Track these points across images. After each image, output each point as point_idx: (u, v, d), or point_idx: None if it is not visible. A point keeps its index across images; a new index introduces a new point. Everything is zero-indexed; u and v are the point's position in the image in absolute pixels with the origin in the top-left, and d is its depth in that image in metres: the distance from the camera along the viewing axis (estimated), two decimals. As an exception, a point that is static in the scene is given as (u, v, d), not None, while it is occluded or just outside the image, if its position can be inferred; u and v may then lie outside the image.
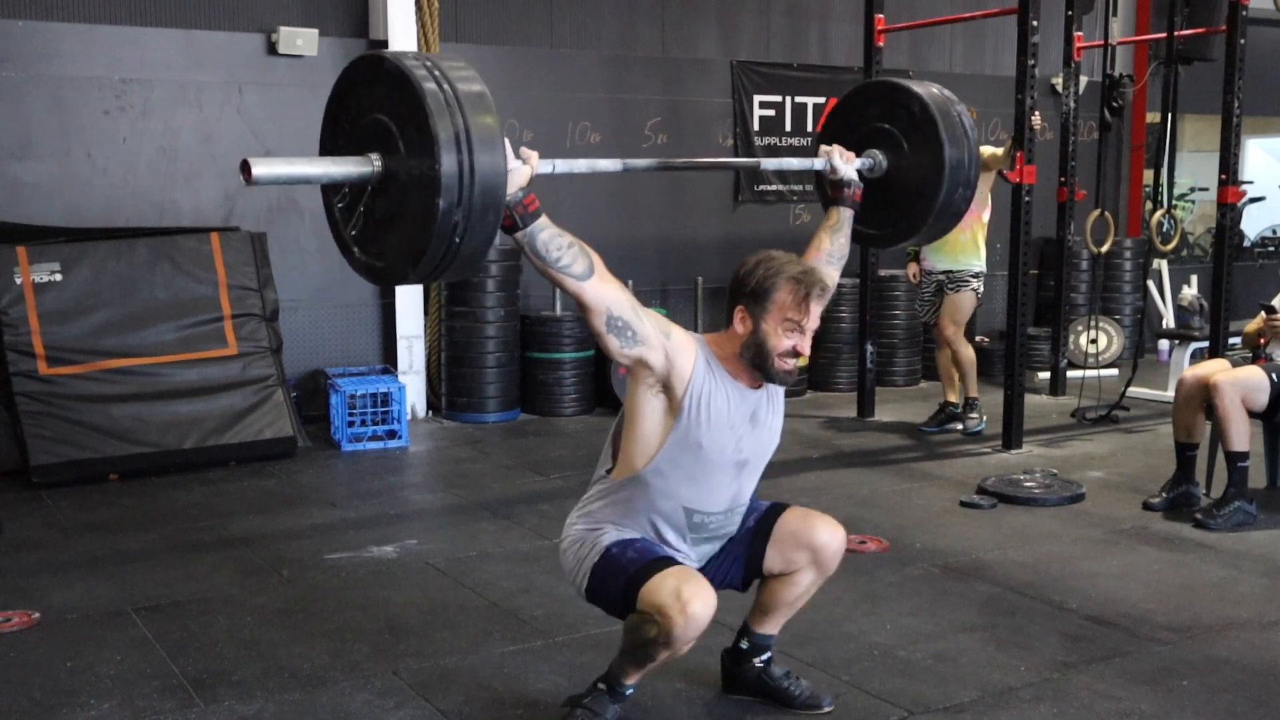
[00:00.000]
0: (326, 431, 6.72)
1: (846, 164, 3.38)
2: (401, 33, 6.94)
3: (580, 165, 3.11)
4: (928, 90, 3.52)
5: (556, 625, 3.85)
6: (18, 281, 5.80)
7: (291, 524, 5.08)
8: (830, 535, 3.08)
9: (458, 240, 2.51)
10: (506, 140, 2.61)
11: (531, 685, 3.41)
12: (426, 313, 7.25)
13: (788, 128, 8.54)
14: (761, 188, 8.47)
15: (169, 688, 3.40)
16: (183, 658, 3.61)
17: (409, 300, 7.16)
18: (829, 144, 3.44)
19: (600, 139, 7.89)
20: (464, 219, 2.49)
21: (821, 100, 8.64)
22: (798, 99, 8.55)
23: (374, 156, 2.60)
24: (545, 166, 2.83)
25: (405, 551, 4.68)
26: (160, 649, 3.68)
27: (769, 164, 3.68)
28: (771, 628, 3.23)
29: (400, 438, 6.54)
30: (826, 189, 3.43)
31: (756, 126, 8.41)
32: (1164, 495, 5.22)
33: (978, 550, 4.66)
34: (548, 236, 2.70)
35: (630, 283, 7.69)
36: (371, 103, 2.63)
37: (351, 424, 6.45)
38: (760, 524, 3.11)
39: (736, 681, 3.30)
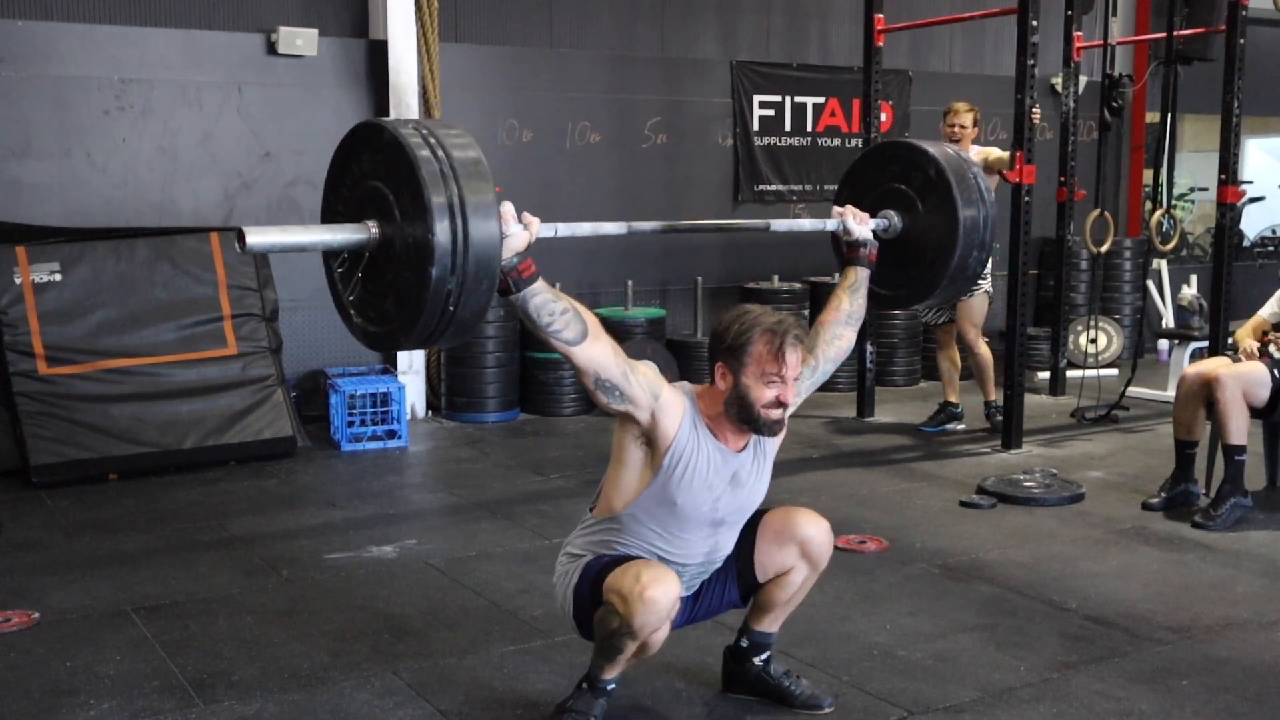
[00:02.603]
0: (326, 431, 6.71)
1: (860, 225, 3.38)
2: (401, 33, 6.94)
3: (584, 229, 3.11)
4: (942, 152, 3.52)
5: (556, 625, 3.84)
6: (17, 281, 5.80)
7: (291, 524, 5.08)
8: (814, 528, 3.11)
9: (452, 308, 2.54)
10: (509, 205, 2.64)
11: (531, 685, 3.41)
12: (426, 313, 7.24)
13: (787, 127, 8.54)
14: (761, 188, 8.47)
15: (169, 688, 3.40)
16: (182, 658, 3.61)
17: (409, 300, 7.14)
18: (843, 205, 3.44)
19: (600, 139, 7.89)
20: (458, 286, 2.52)
21: (821, 100, 8.64)
22: (797, 99, 8.56)
23: (371, 224, 2.63)
24: (546, 231, 2.84)
25: (405, 551, 4.68)
26: (160, 649, 3.68)
27: (780, 225, 3.68)
28: (770, 625, 3.24)
29: (400, 438, 6.54)
30: (842, 249, 3.43)
31: (756, 126, 8.41)
32: (1162, 495, 5.22)
33: (978, 550, 4.66)
34: (540, 302, 2.74)
35: (630, 282, 7.77)
36: (370, 169, 2.66)
37: (351, 424, 6.45)
38: (742, 536, 3.13)
39: (737, 680, 3.31)
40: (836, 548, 4.59)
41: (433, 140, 2.56)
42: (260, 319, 6.27)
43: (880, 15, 7.05)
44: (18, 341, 5.75)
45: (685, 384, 3.03)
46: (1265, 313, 5.43)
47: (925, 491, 5.58)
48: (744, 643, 3.28)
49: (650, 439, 2.90)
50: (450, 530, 5.02)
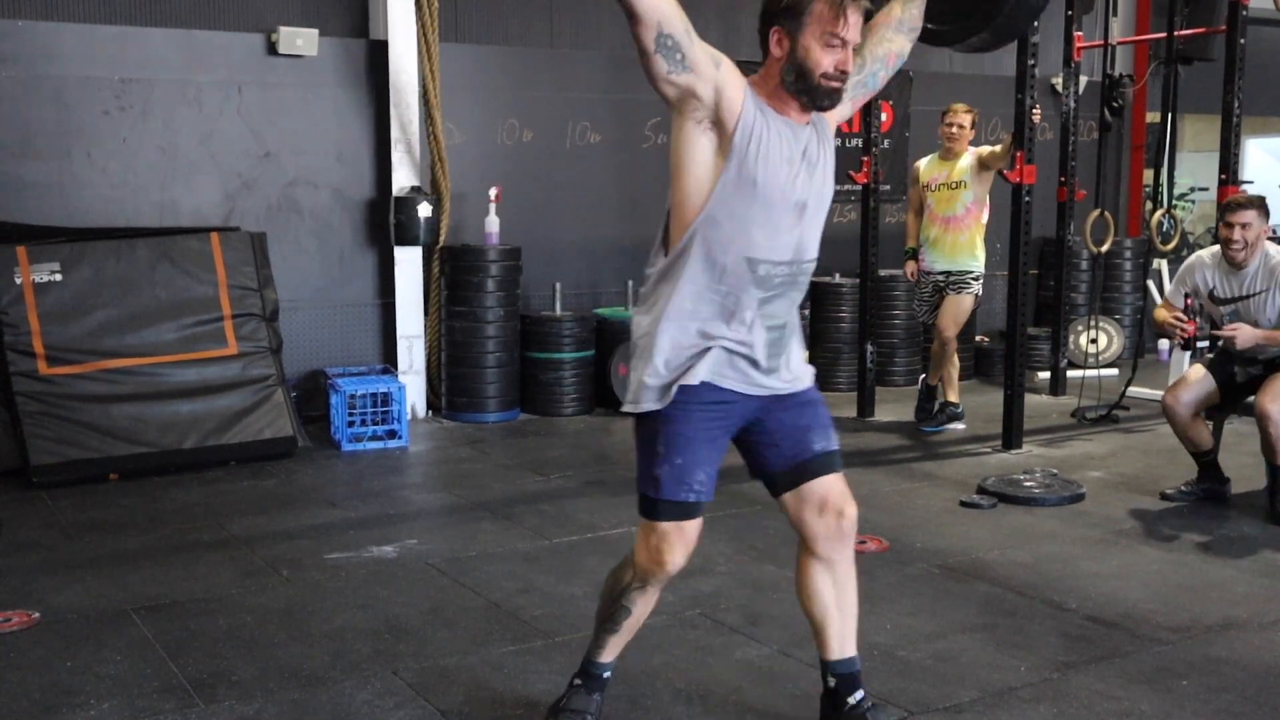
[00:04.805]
0: (326, 431, 6.72)
1: None
2: (402, 33, 6.95)
3: None
4: None
5: (556, 625, 3.85)
6: (18, 281, 5.80)
7: (291, 524, 5.08)
8: (846, 504, 2.95)
9: None
10: None
11: (531, 685, 3.41)
12: (426, 313, 7.25)
13: (788, 128, 8.52)
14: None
15: (169, 688, 3.40)
16: (183, 658, 3.61)
17: (409, 300, 7.16)
18: None
19: (600, 139, 7.89)
20: None
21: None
22: (798, 99, 8.53)
23: None
24: None
25: (405, 551, 4.68)
26: (160, 649, 3.68)
27: None
28: (840, 648, 3.01)
29: (400, 438, 6.54)
30: None
31: (756, 126, 8.40)
32: (1182, 489, 5.30)
33: (978, 550, 4.66)
34: None
35: (630, 282, 7.76)
36: None
37: (351, 424, 6.45)
38: (808, 465, 2.88)
39: None
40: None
41: None
42: (260, 319, 6.27)
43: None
44: (18, 341, 5.75)
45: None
46: (1169, 293, 5.46)
47: (925, 491, 5.57)
48: (831, 681, 3.02)
49: (717, 117, 2.65)
50: (450, 530, 5.02)
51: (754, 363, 2.80)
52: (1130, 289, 9.40)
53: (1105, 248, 7.56)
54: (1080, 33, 7.84)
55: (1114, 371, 8.33)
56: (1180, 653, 3.66)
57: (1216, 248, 5.22)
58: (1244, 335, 5.01)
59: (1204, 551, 4.67)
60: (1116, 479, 5.77)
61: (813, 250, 2.86)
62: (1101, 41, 7.78)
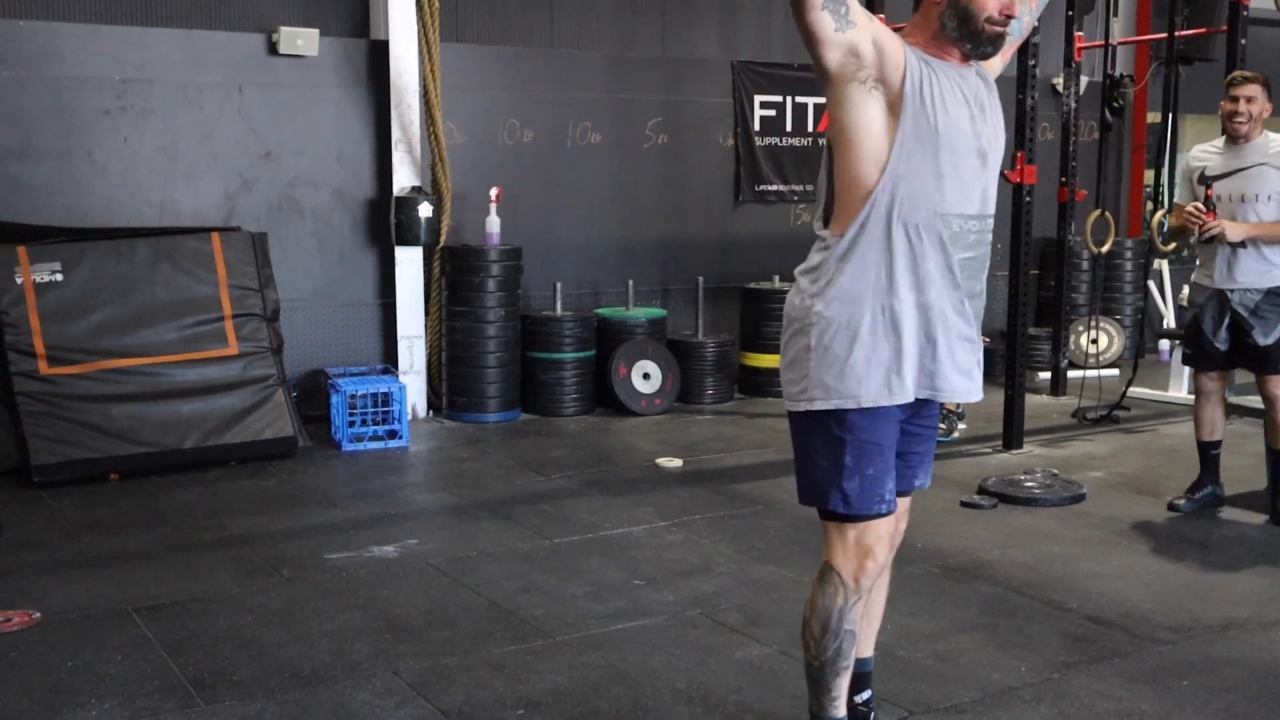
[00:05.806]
0: (327, 431, 6.72)
1: None
2: (402, 32, 6.95)
3: None
4: None
5: (556, 625, 3.85)
6: (18, 281, 5.80)
7: (291, 524, 5.08)
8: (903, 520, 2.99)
9: None
10: None
11: (531, 685, 3.41)
12: (427, 313, 7.26)
13: (788, 128, 8.54)
14: (762, 188, 8.47)
15: (169, 688, 3.40)
16: (183, 658, 3.61)
17: (410, 300, 7.16)
18: None
19: (601, 139, 7.89)
20: None
21: (822, 100, 8.55)
22: (798, 99, 8.55)
23: None
24: None
25: (405, 551, 4.68)
26: (160, 649, 3.68)
27: None
28: (860, 646, 2.90)
29: (401, 438, 6.54)
30: None
31: (757, 126, 8.41)
32: (1190, 497, 5.21)
33: (978, 550, 4.66)
34: None
35: (631, 283, 7.76)
36: None
37: (352, 424, 6.45)
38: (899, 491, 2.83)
39: None
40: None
41: None
42: (261, 319, 6.27)
43: (882, 15, 7.04)
44: (19, 341, 5.75)
45: None
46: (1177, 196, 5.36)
47: (925, 491, 5.53)
48: None
49: (881, 73, 2.51)
50: (451, 530, 5.02)
51: (953, 336, 2.64)
52: (1131, 289, 9.40)
53: (1106, 248, 7.56)
54: (1081, 33, 7.84)
55: (1114, 372, 8.33)
56: (1180, 653, 3.66)
57: (1218, 139, 5.06)
58: (1232, 229, 4.83)
59: (1204, 551, 4.67)
60: (1117, 479, 5.76)
61: (994, 204, 2.71)
62: (1102, 41, 7.78)
